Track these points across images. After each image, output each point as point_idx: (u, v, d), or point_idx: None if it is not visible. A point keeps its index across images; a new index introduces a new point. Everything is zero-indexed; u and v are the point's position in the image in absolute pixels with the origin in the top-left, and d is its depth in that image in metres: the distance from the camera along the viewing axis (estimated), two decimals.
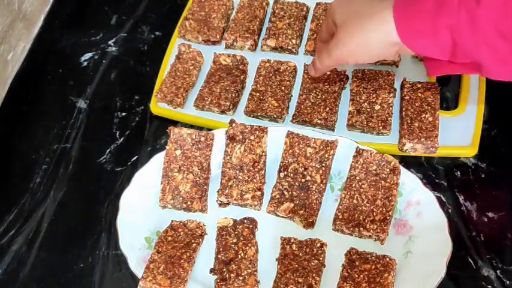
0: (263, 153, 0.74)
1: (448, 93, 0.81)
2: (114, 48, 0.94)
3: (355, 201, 0.70)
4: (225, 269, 0.67)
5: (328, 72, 0.80)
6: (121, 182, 0.79)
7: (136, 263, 0.69)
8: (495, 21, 0.54)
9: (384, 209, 0.69)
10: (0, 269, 0.73)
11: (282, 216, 0.72)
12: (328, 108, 0.78)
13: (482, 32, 0.55)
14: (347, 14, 0.64)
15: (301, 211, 0.71)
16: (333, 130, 0.77)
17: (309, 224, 0.70)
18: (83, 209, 0.77)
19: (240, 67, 0.85)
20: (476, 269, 0.68)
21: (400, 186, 0.71)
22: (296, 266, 0.67)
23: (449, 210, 0.72)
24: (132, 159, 0.81)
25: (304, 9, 0.89)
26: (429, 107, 0.75)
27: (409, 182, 0.71)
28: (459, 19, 0.55)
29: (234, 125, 0.75)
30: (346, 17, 0.64)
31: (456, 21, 0.55)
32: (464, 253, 0.69)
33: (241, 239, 0.70)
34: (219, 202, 0.74)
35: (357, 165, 0.72)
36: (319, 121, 0.77)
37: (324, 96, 0.79)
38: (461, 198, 0.73)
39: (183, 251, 0.68)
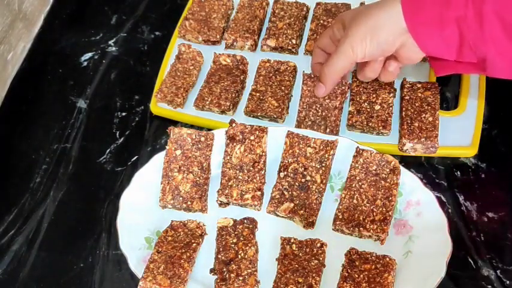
0: (263, 153, 0.74)
1: (448, 93, 0.81)
2: (114, 48, 0.94)
3: (355, 201, 0.70)
4: (225, 269, 0.67)
5: None
6: (121, 182, 0.79)
7: (136, 263, 0.69)
8: (500, 15, 0.55)
9: (384, 209, 0.69)
10: (0, 269, 0.73)
11: (282, 216, 0.72)
12: (328, 130, 0.76)
13: (488, 26, 0.56)
14: (357, 11, 0.66)
15: (301, 211, 0.71)
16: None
17: (309, 224, 0.70)
18: (83, 209, 0.77)
19: (240, 67, 0.85)
20: (476, 269, 0.68)
21: (400, 186, 0.71)
22: (296, 266, 0.67)
23: (449, 210, 0.72)
24: (132, 159, 0.81)
25: (304, 9, 0.89)
26: (429, 107, 0.75)
27: (409, 182, 0.71)
28: (467, 12, 0.56)
29: (234, 125, 0.75)
30: (356, 13, 0.66)
31: (464, 13, 0.56)
32: (464, 253, 0.69)
33: (241, 239, 0.70)
34: (219, 202, 0.74)
35: (357, 165, 0.72)
36: None
37: (324, 114, 0.77)
38: (461, 198, 0.73)
39: (183, 251, 0.68)
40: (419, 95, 0.77)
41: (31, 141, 0.84)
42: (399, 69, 0.71)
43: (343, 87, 0.78)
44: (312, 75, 0.79)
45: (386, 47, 0.65)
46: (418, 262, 0.66)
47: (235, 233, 0.70)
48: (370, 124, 0.76)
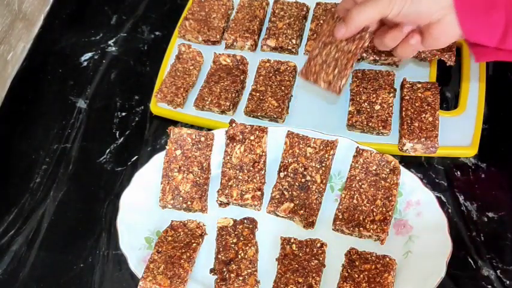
0: (263, 153, 0.74)
1: (448, 93, 0.81)
2: (114, 48, 0.94)
3: (355, 201, 0.70)
4: (225, 269, 0.67)
5: None
6: (121, 182, 0.79)
7: (137, 263, 0.69)
8: None
9: (384, 209, 0.69)
10: (0, 269, 0.73)
11: (282, 216, 0.72)
12: (336, 71, 0.70)
13: None
14: None
15: (301, 211, 0.71)
16: (338, 94, 0.71)
17: (309, 224, 0.70)
18: (83, 209, 0.77)
19: (240, 67, 0.85)
20: (476, 269, 0.68)
21: (400, 186, 0.71)
22: (296, 266, 0.67)
23: (449, 210, 0.72)
24: (132, 159, 0.81)
25: (304, 9, 0.89)
26: (429, 107, 0.75)
27: (409, 182, 0.71)
28: None
29: (234, 125, 0.75)
30: None
31: None
32: (464, 253, 0.69)
33: (241, 239, 0.70)
34: (219, 202, 0.74)
35: (357, 165, 0.72)
36: (323, 83, 0.71)
37: (337, 55, 0.71)
38: (461, 198, 0.73)
39: (183, 251, 0.68)
40: (419, 95, 0.77)
41: (31, 141, 0.84)
42: (417, 49, 0.66)
43: (363, 33, 0.69)
44: (335, 16, 0.71)
45: (424, 15, 0.61)
46: (418, 262, 0.66)
47: (235, 233, 0.70)
48: (370, 124, 0.76)
